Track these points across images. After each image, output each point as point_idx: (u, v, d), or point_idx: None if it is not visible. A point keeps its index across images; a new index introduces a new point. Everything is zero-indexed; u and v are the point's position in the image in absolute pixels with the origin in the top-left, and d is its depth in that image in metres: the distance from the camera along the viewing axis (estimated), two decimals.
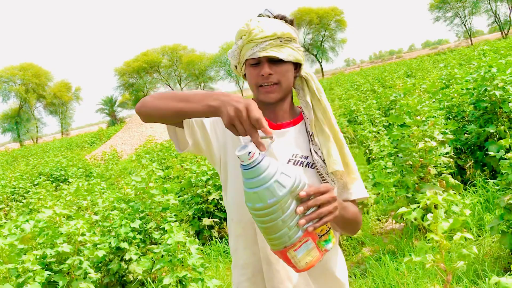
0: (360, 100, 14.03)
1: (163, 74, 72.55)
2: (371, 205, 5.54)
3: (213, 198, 5.73)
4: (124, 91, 71.49)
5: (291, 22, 1.51)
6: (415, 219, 2.38)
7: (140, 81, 70.89)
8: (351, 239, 4.78)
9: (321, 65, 73.16)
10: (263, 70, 1.46)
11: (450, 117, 6.40)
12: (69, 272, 3.87)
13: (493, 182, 4.81)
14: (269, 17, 1.51)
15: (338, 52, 73.26)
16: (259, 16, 1.53)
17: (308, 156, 1.52)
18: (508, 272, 3.25)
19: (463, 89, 6.56)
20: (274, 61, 1.46)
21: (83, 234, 3.96)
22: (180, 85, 72.95)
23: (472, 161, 5.72)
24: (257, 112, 1.17)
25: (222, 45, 72.35)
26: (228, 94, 1.25)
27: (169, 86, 72.71)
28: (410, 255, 2.13)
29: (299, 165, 1.51)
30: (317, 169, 1.50)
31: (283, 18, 1.50)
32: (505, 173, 3.45)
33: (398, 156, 4.69)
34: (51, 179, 12.39)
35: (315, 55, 71.89)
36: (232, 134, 1.49)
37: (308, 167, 1.51)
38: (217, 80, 74.10)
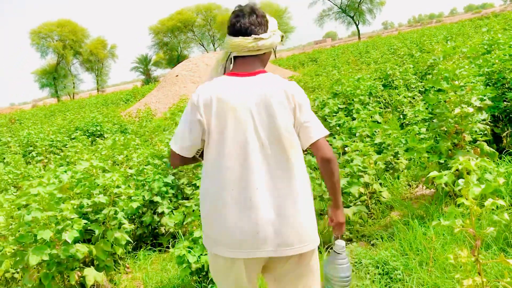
0: (397, 64, 13.66)
1: (197, 33, 72.28)
2: (402, 170, 5.49)
3: None
4: (158, 50, 71.81)
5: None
6: (446, 184, 2.36)
7: (174, 40, 70.92)
8: (380, 203, 4.78)
9: (357, 28, 71.18)
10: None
11: (490, 83, 6.17)
12: (104, 221, 4.04)
13: None
14: None
15: (375, 15, 70.99)
16: None
17: None
18: None
19: (505, 55, 6.29)
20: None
21: (118, 186, 4.10)
22: (213, 45, 72.59)
23: (510, 130, 5.55)
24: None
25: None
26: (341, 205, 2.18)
27: (203, 46, 72.46)
28: (439, 219, 2.12)
29: None
30: None
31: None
32: None
33: (432, 121, 4.59)
34: (87, 134, 12.75)
35: (352, 17, 69.94)
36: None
37: None
38: None
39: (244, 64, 2.12)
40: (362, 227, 4.46)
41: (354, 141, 5.81)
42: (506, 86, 5.96)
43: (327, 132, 2.09)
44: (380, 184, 5.05)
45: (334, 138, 6.08)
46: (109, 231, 3.99)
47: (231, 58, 2.14)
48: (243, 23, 2.08)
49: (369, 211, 4.69)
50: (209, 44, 73.16)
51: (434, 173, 2.22)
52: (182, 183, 5.11)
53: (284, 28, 71.37)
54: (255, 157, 1.97)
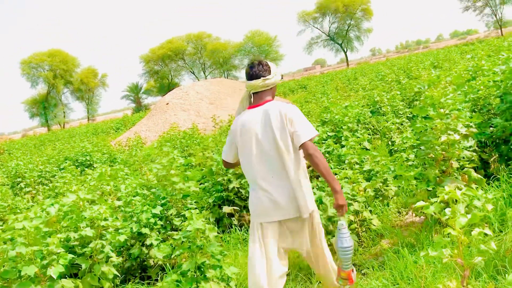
0: (385, 91, 13.84)
1: (187, 61, 72.87)
2: (391, 198, 5.50)
3: (234, 187, 5.77)
4: (149, 78, 72.19)
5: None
6: (434, 213, 2.36)
7: (165, 68, 71.41)
8: (370, 231, 4.76)
9: (346, 55, 72.29)
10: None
11: (476, 110, 6.25)
12: (91, 255, 3.97)
13: None
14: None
15: (363, 42, 72.33)
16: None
17: None
18: None
19: (490, 81, 6.40)
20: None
21: (105, 219, 4.05)
22: (204, 72, 73.15)
23: (497, 155, 5.60)
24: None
25: (246, 34, 72.19)
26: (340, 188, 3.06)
27: (193, 74, 72.98)
28: (428, 250, 2.11)
29: None
30: None
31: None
32: None
33: (420, 148, 4.62)
34: (76, 164, 12.65)
35: (340, 44, 71.06)
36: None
37: None
38: (241, 68, 74.05)
39: (257, 98, 3.26)
40: (353, 256, 4.42)
41: (343, 169, 5.82)
42: (492, 112, 6.04)
43: (312, 135, 3.06)
44: (370, 211, 5.04)
45: None
46: (96, 265, 3.93)
47: (251, 95, 3.27)
48: (254, 71, 3.23)
49: (359, 239, 4.66)
50: (199, 71, 73.74)
51: (421, 203, 2.22)
52: (171, 214, 5.07)
53: (274, 56, 72.24)
54: (261, 160, 3.12)
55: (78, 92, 66.90)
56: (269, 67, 3.26)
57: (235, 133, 3.22)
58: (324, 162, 2.97)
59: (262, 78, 3.20)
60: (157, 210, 4.90)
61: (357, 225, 4.69)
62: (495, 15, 61.46)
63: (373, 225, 4.77)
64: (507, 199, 4.51)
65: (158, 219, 4.94)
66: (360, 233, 4.68)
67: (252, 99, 3.25)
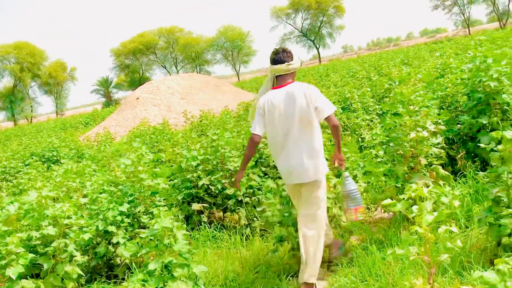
0: (355, 87, 13.96)
1: (159, 56, 71.93)
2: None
3: (203, 184, 5.69)
4: (119, 72, 71.00)
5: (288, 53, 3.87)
6: (401, 210, 2.36)
7: (136, 62, 70.33)
8: (339, 228, 4.76)
9: (318, 51, 72.74)
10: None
11: (444, 107, 6.36)
12: (54, 255, 3.84)
13: (483, 174, 4.79)
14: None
15: (335, 38, 72.80)
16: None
17: None
18: (493, 266, 3.24)
19: (457, 79, 6.52)
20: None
21: (69, 217, 3.92)
22: (176, 67, 72.42)
23: (464, 152, 5.70)
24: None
25: (219, 28, 71.75)
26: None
27: (165, 68, 72.16)
28: (396, 245, 2.10)
29: None
30: None
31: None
32: (494, 165, 3.44)
33: (389, 145, 4.66)
34: (43, 160, 12.30)
35: (313, 41, 71.42)
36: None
37: None
38: (213, 63, 73.70)
39: (281, 80, 3.84)
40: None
41: None
42: (459, 109, 6.15)
43: (334, 109, 3.70)
44: (340, 208, 5.04)
45: None
46: (59, 265, 3.80)
47: (274, 78, 3.88)
48: (279, 57, 3.81)
49: None
50: (171, 66, 72.94)
51: (388, 201, 2.21)
52: (139, 212, 4.95)
53: (247, 51, 72.20)
54: (284, 132, 3.70)
55: (46, 85, 65.17)
56: (292, 54, 3.85)
57: (263, 109, 3.77)
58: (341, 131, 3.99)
59: (286, 63, 3.76)
60: (124, 207, 4.78)
61: (327, 221, 4.68)
62: (463, 14, 62.87)
63: (343, 221, 4.78)
64: (473, 195, 4.60)
65: (125, 216, 4.82)
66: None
67: (276, 81, 3.86)
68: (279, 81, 3.84)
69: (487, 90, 5.29)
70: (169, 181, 6.20)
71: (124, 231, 4.77)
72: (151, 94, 24.33)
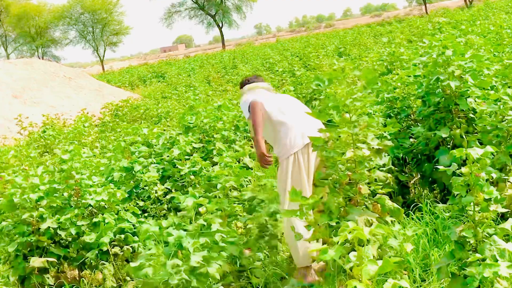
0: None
1: None
2: (282, 235, 5.65)
3: (48, 227, 5.53)
4: None
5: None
6: (335, 259, 2.47)
7: None
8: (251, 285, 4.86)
9: (221, 32, 73.53)
10: None
11: (392, 114, 6.65)
12: None
13: (444, 207, 5.07)
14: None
15: (245, 14, 74.15)
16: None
17: None
18: None
19: (409, 76, 6.85)
20: None
21: None
22: (6, 50, 69.52)
23: (418, 177, 6.01)
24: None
25: None
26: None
27: None
28: None
29: None
30: None
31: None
32: (457, 194, 3.57)
33: None
34: None
35: (213, 16, 72.01)
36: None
37: None
38: (64, 44, 71.83)
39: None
40: None
41: (215, 196, 5.88)
42: (412, 117, 6.46)
43: (246, 115, 5.27)
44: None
45: (186, 193, 6.09)
46: None
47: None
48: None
49: None
50: None
51: (316, 246, 2.31)
52: None
53: (116, 28, 71.26)
54: None
55: None
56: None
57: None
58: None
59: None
60: None
61: (233, 278, 4.75)
62: None
63: (256, 277, 4.87)
64: (431, 235, 4.88)
65: None
66: None
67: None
68: None
69: (447, 92, 5.55)
70: None
71: None
72: None
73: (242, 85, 5.70)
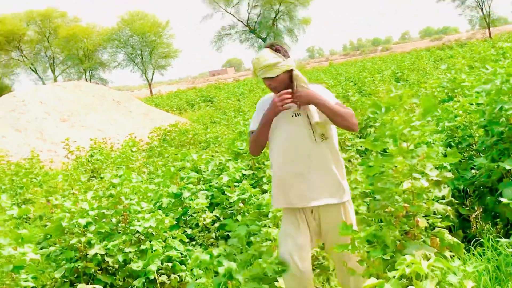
0: None
1: (27, 53, 70.68)
2: (333, 270, 5.64)
3: (96, 253, 5.65)
4: None
5: (276, 49, 4.39)
6: None
7: None
8: None
9: None
10: (266, 84, 4.45)
11: (452, 143, 6.57)
12: None
13: (507, 242, 4.99)
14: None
15: (297, 37, 74.32)
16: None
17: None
18: None
19: (472, 104, 6.78)
20: (271, 77, 4.35)
21: None
22: (53, 72, 71.28)
23: (480, 210, 5.92)
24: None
25: (122, 15, 71.71)
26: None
27: (35, 73, 70.79)
28: None
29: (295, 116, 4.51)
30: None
31: (271, 46, 4.44)
32: None
33: (374, 198, 4.80)
34: None
35: (264, 39, 72.21)
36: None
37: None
38: (112, 67, 73.18)
39: None
40: None
41: (264, 226, 5.91)
42: (474, 148, 6.38)
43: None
44: None
45: (237, 220, 6.14)
46: None
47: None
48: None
49: None
50: (46, 70, 71.91)
51: (372, 281, 2.34)
52: None
53: (165, 51, 72.23)
54: None
55: None
56: (281, 55, 4.49)
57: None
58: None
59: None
60: None
61: None
62: (481, 9, 65.19)
63: None
64: (493, 272, 4.80)
65: None
66: None
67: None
68: None
69: (511, 121, 5.55)
70: (41, 249, 6.07)
71: None
72: (13, 113, 23.79)
73: (284, 52, 4.43)
